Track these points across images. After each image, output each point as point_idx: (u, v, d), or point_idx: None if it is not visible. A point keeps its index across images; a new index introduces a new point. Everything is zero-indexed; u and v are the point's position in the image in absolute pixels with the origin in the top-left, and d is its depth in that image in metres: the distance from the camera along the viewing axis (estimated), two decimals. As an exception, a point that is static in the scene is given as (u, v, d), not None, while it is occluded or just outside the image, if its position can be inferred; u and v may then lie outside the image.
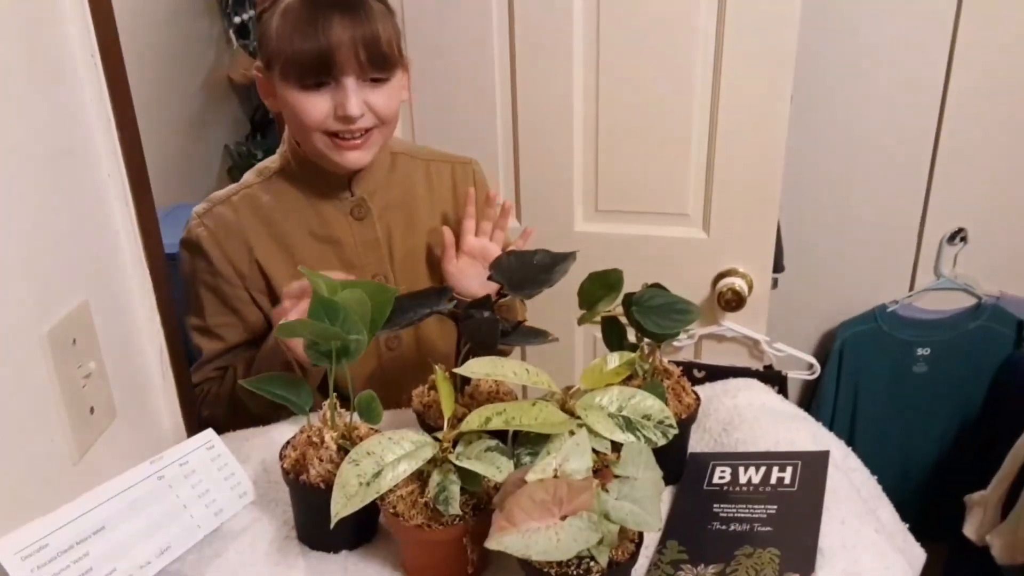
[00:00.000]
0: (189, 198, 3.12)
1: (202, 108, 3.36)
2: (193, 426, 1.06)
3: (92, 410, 0.86)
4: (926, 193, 1.88)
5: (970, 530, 1.78)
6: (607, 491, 0.76)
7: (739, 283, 1.62)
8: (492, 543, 0.71)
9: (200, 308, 1.26)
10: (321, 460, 0.87)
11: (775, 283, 1.73)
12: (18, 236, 0.76)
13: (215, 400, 1.23)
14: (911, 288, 1.96)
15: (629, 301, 0.95)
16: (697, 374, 1.57)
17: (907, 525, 1.04)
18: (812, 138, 1.85)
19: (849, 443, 1.07)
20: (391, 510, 0.82)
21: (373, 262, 1.27)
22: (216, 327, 1.26)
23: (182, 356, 1.05)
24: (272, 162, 1.28)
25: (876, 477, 1.06)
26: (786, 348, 1.68)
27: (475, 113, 1.67)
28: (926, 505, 1.98)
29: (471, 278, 1.25)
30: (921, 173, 1.87)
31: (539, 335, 0.97)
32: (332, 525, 0.77)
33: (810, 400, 2.04)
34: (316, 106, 1.12)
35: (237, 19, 3.43)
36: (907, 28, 1.76)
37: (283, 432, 1.03)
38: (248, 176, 1.28)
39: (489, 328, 0.92)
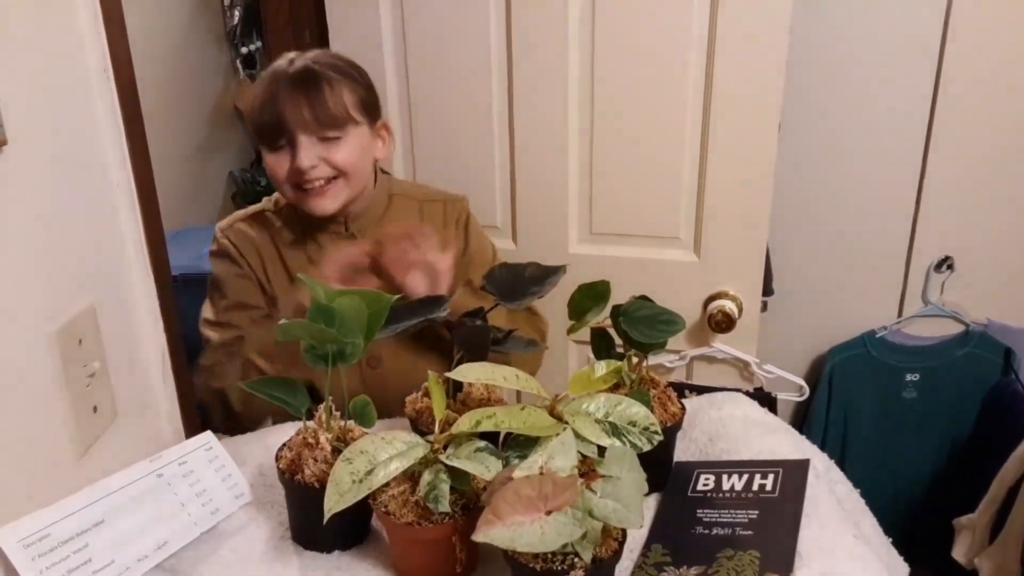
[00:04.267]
0: (194, 222, 3.17)
1: (208, 135, 3.41)
2: (192, 429, 1.08)
3: (95, 409, 0.89)
4: (913, 221, 1.92)
5: (959, 553, 1.79)
6: (592, 490, 0.78)
7: (729, 305, 1.65)
8: (479, 536, 0.74)
9: (217, 302, 1.38)
10: (316, 460, 0.89)
11: (764, 307, 1.77)
12: (31, 239, 0.80)
13: (222, 374, 1.31)
14: (899, 315, 1.99)
15: (617, 312, 0.99)
16: (688, 394, 1.60)
17: (891, 539, 1.07)
18: (801, 164, 1.89)
19: (840, 467, 1.10)
20: (383, 509, 0.84)
21: None
22: (231, 320, 1.36)
23: (183, 361, 1.08)
24: (276, 196, 1.43)
25: (865, 501, 1.08)
26: (776, 370, 1.71)
27: (473, 140, 1.72)
28: (915, 529, 2.00)
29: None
30: (908, 201, 1.91)
31: (530, 343, 1.00)
32: (325, 520, 0.79)
33: (801, 425, 2.06)
34: (280, 164, 1.31)
35: (244, 49, 3.49)
36: (894, 58, 1.81)
37: (278, 437, 1.06)
38: (265, 202, 1.45)
39: (481, 335, 0.95)
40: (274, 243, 1.38)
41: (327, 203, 1.33)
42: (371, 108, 1.36)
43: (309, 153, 1.28)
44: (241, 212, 1.43)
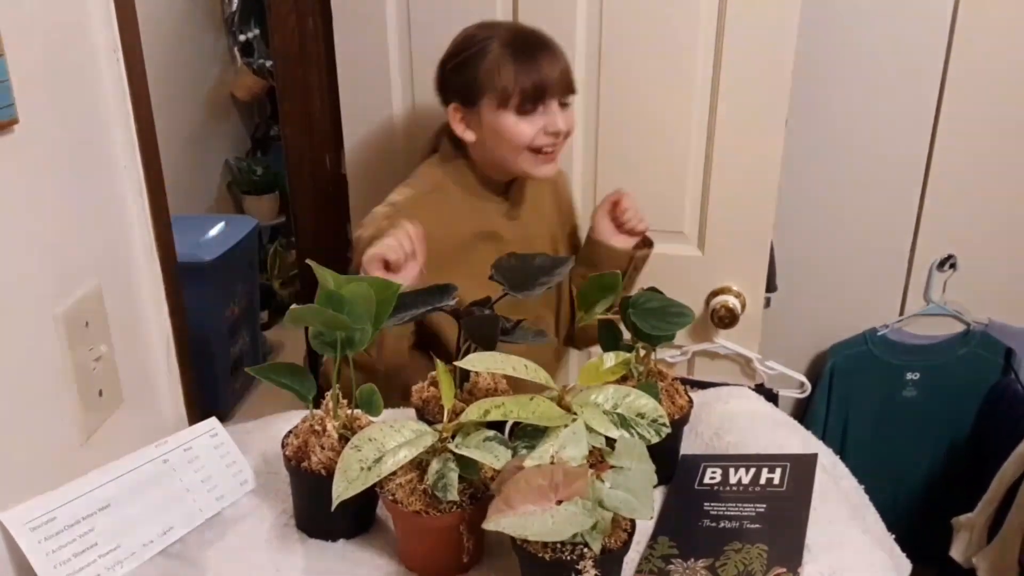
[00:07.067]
0: (189, 210, 3.16)
1: (204, 123, 3.40)
2: (195, 416, 1.08)
3: (101, 393, 0.88)
4: (917, 219, 1.91)
5: (957, 552, 1.80)
6: (602, 480, 0.78)
7: (732, 301, 1.65)
8: (490, 524, 0.73)
9: None
10: (323, 448, 0.89)
11: (767, 302, 1.77)
12: (39, 218, 0.79)
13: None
14: (901, 313, 1.99)
15: (626, 304, 0.98)
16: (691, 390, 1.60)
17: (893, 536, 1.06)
18: (806, 161, 1.89)
19: (839, 463, 1.10)
20: (390, 497, 0.84)
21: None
22: None
23: (187, 347, 1.07)
24: (437, 169, 1.46)
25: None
26: (777, 366, 1.71)
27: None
28: (914, 527, 1.99)
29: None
30: (912, 200, 1.91)
31: (539, 334, 0.99)
32: (333, 507, 0.78)
33: (800, 422, 2.06)
34: (527, 127, 1.36)
35: (242, 37, 3.48)
36: (900, 55, 1.81)
37: (282, 426, 1.05)
38: (418, 183, 1.45)
39: (489, 325, 0.95)
40: (436, 225, 1.34)
41: (552, 167, 1.41)
42: None
43: (561, 116, 1.36)
44: (401, 199, 1.40)
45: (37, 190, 0.79)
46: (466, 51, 1.38)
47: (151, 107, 0.98)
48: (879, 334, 1.99)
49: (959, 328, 1.98)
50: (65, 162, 0.84)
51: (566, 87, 1.38)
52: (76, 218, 0.86)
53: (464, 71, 1.38)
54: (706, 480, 0.98)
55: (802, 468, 0.96)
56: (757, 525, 0.88)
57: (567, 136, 1.40)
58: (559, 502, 0.74)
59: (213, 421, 0.97)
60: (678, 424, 0.98)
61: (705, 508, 0.93)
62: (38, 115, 0.78)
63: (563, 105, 1.38)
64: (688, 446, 1.06)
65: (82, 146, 0.87)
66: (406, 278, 1.21)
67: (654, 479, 0.81)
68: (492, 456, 0.82)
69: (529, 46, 1.36)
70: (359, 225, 1.40)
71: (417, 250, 1.24)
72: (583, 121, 1.65)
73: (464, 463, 0.83)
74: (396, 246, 1.22)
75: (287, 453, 0.91)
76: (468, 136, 1.40)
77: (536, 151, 1.37)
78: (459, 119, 1.41)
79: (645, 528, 0.91)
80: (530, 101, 1.34)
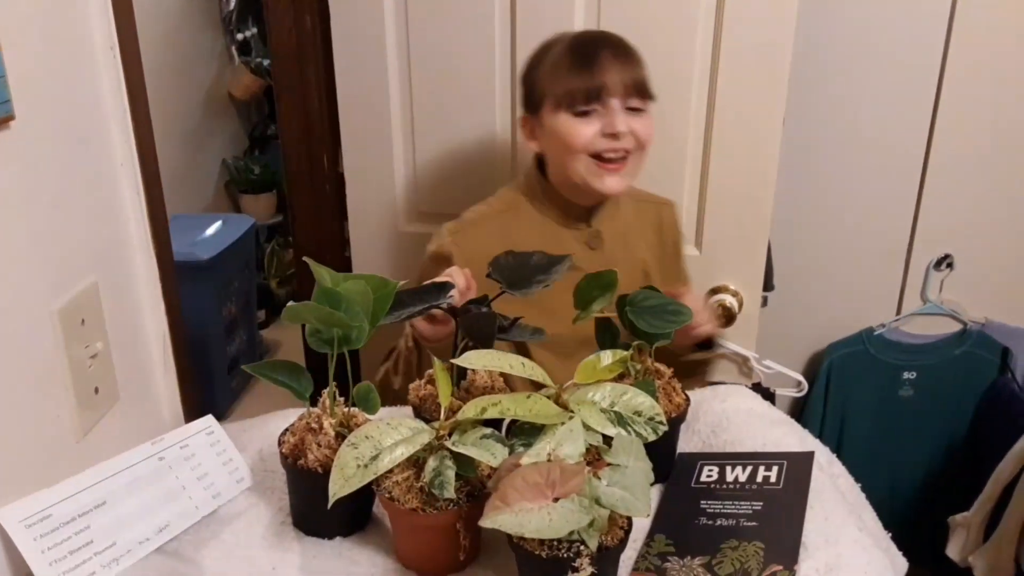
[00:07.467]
0: (187, 210, 3.15)
1: (202, 122, 3.39)
2: (192, 414, 1.07)
3: (97, 390, 0.88)
4: (914, 219, 1.92)
5: (953, 551, 1.80)
6: (599, 478, 0.78)
7: (730, 300, 1.65)
8: (487, 521, 0.73)
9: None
10: (319, 446, 0.89)
11: (764, 302, 1.76)
12: (36, 215, 0.79)
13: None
14: (898, 312, 1.99)
15: (623, 302, 0.98)
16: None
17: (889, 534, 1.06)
18: (804, 160, 1.89)
19: (836, 463, 1.10)
20: (387, 495, 0.84)
21: None
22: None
23: (184, 346, 1.07)
24: (515, 190, 1.41)
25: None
26: (775, 365, 1.71)
27: (475, 128, 1.71)
28: (911, 526, 2.00)
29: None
30: (909, 199, 1.91)
31: (536, 332, 0.99)
32: (330, 505, 0.78)
33: (797, 421, 2.06)
34: (583, 129, 1.27)
35: (240, 36, 3.47)
36: (897, 56, 1.81)
37: (279, 424, 1.05)
38: (494, 204, 1.41)
39: (486, 322, 0.95)
40: (507, 246, 1.20)
41: (617, 181, 1.31)
42: None
43: (622, 117, 1.27)
44: (472, 214, 1.39)
45: (34, 187, 0.79)
46: (534, 58, 1.34)
47: (148, 104, 0.98)
48: (876, 333, 1.99)
49: (956, 327, 1.98)
50: (62, 159, 0.84)
51: (633, 89, 1.27)
52: (73, 215, 0.85)
53: (528, 78, 1.35)
54: (703, 478, 0.98)
55: (798, 466, 0.96)
56: (753, 523, 0.88)
57: (641, 147, 1.30)
58: (556, 500, 0.74)
59: (209, 419, 0.97)
60: (675, 422, 0.98)
61: (702, 506, 0.93)
62: (35, 112, 0.78)
63: (632, 110, 1.28)
64: (685, 444, 1.06)
65: (79, 143, 0.87)
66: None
67: (651, 477, 0.81)
68: (489, 454, 0.82)
69: (590, 45, 1.29)
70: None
71: (471, 287, 1.17)
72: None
73: (461, 461, 0.83)
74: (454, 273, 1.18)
75: (283, 451, 0.91)
76: (532, 146, 1.36)
77: (598, 157, 1.28)
78: (526, 129, 1.36)
79: (642, 526, 0.91)
80: (584, 100, 1.26)
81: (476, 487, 0.85)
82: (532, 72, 1.34)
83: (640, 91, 1.29)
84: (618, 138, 1.27)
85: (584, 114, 1.27)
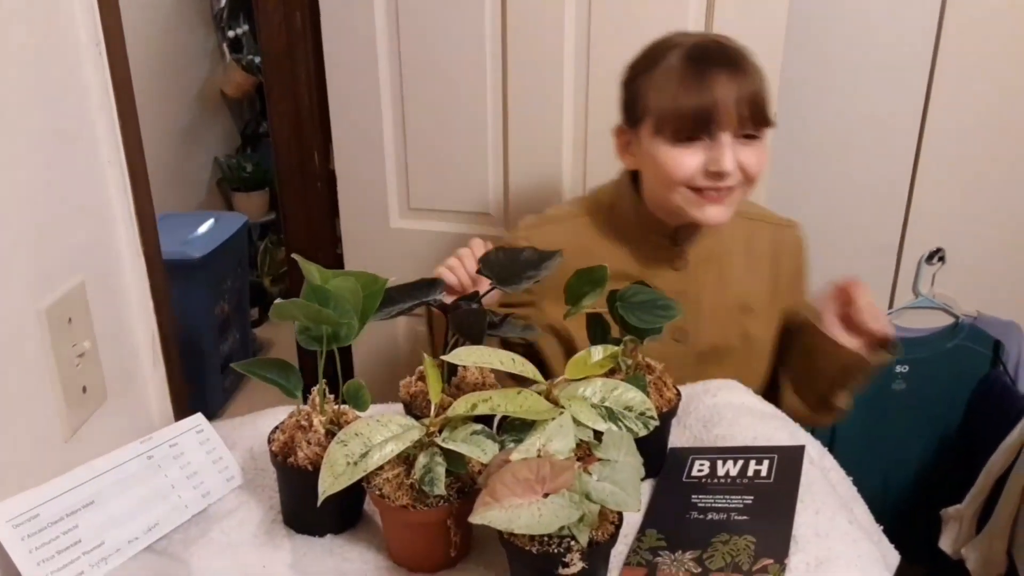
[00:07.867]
0: (179, 208, 3.15)
1: (194, 120, 3.39)
2: (182, 412, 1.07)
3: (85, 389, 0.88)
4: (905, 212, 1.92)
5: (946, 544, 1.80)
6: (589, 473, 0.78)
7: (722, 295, 1.65)
8: (476, 518, 0.73)
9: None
10: (309, 443, 0.88)
11: (757, 296, 1.76)
12: (21, 214, 0.78)
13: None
14: (890, 306, 1.99)
15: (614, 297, 0.98)
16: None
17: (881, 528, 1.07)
18: (794, 155, 1.89)
19: (828, 457, 1.10)
20: (377, 492, 0.84)
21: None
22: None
23: (173, 344, 1.06)
24: (602, 195, 1.32)
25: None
26: (767, 360, 1.71)
27: (467, 125, 1.71)
28: (903, 519, 2.00)
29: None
30: (901, 193, 1.91)
31: (527, 328, 0.99)
32: (319, 502, 0.78)
33: (790, 415, 2.07)
34: (688, 161, 1.14)
35: (231, 33, 3.47)
36: (887, 52, 1.81)
37: (269, 422, 1.05)
38: (579, 205, 1.33)
39: (477, 319, 0.95)
40: (583, 253, 1.18)
41: (723, 211, 1.17)
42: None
43: (732, 153, 1.12)
44: (554, 213, 1.33)
45: (19, 185, 0.78)
46: (641, 63, 1.20)
47: (135, 102, 0.97)
48: (868, 327, 1.99)
49: (948, 321, 1.98)
50: (47, 157, 0.83)
51: (749, 117, 1.12)
52: (59, 214, 0.85)
53: (631, 85, 1.21)
54: (694, 473, 0.98)
55: (789, 460, 0.96)
56: (744, 517, 0.88)
57: (750, 181, 1.16)
58: (546, 495, 0.74)
59: (199, 417, 0.96)
60: (666, 417, 0.98)
61: (693, 500, 0.93)
62: (19, 109, 0.78)
63: (748, 138, 1.14)
64: (677, 438, 1.06)
65: (64, 142, 0.87)
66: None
67: (642, 472, 0.81)
68: (479, 450, 0.82)
69: (706, 60, 1.13)
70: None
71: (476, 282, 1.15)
72: (573, 115, 1.64)
73: (451, 457, 0.83)
74: (454, 266, 1.18)
75: (273, 448, 0.90)
76: (627, 162, 1.24)
77: (697, 190, 1.16)
78: (621, 141, 1.24)
79: (633, 521, 0.91)
80: (689, 129, 1.12)
81: (466, 483, 0.84)
82: (635, 80, 1.20)
83: (756, 118, 1.14)
84: (723, 177, 1.13)
85: (687, 142, 1.14)
